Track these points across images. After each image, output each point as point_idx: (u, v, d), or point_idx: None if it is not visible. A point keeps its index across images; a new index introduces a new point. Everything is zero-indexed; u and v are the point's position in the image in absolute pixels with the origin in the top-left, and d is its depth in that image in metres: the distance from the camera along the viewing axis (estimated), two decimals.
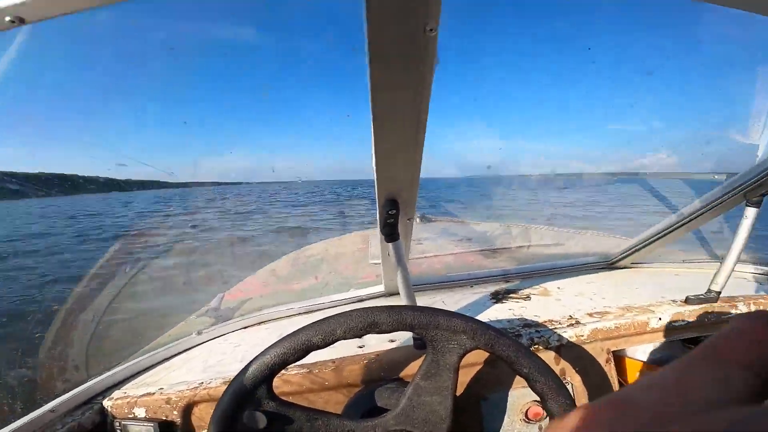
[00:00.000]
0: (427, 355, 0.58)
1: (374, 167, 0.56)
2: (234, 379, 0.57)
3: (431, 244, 1.65)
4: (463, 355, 0.57)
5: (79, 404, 0.75)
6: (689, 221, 1.06)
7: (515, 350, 0.56)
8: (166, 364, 0.93)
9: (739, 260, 0.95)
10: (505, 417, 0.78)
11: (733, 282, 1.06)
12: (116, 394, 0.79)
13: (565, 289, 1.06)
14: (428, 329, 0.56)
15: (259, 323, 1.06)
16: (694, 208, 1.04)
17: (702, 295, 0.94)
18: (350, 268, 1.58)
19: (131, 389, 0.81)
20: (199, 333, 1.02)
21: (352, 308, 0.57)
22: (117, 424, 0.75)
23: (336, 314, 0.55)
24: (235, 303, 1.27)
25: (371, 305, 0.56)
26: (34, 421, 0.67)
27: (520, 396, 0.78)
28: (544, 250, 1.53)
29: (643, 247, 1.19)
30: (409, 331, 0.56)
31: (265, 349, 0.55)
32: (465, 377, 0.77)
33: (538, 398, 0.76)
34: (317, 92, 47.57)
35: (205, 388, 0.75)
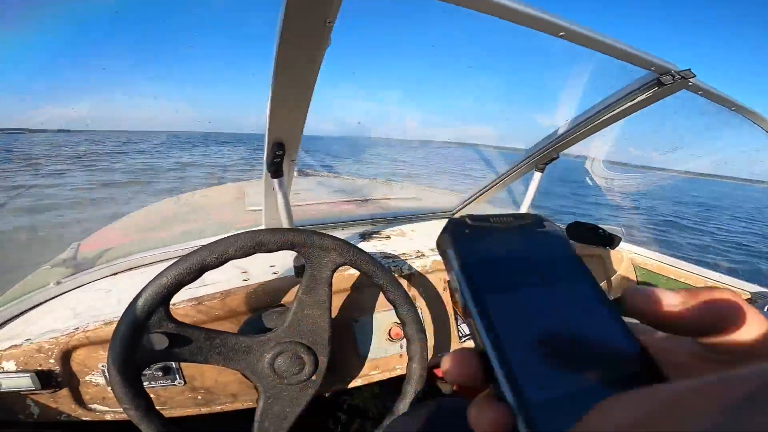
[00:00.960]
0: (306, 271, 0.70)
1: (268, 113, 0.64)
2: (129, 305, 0.59)
3: (308, 194, 1.76)
4: (335, 269, 0.71)
5: None
6: (501, 181, 1.44)
7: (373, 265, 0.73)
8: (23, 318, 0.85)
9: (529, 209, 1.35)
10: (373, 337, 0.94)
11: None
12: None
13: (417, 231, 1.33)
14: (306, 247, 0.67)
15: (131, 269, 1.02)
16: (504, 171, 1.42)
17: None
18: (226, 214, 1.57)
19: None
20: (58, 283, 0.94)
21: None
22: None
23: (227, 236, 0.62)
24: (94, 253, 1.16)
25: None
26: None
27: (383, 319, 0.95)
28: (402, 203, 1.82)
29: (472, 200, 1.56)
30: (290, 249, 0.67)
31: (161, 272, 0.59)
32: (337, 302, 0.90)
33: (398, 321, 0.92)
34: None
35: (83, 332, 0.74)
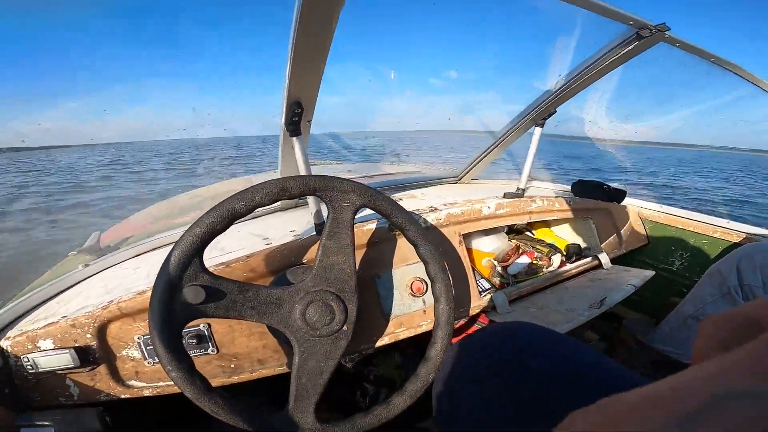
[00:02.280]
0: (329, 216, 0.71)
1: (288, 73, 0.68)
2: (164, 261, 0.59)
3: None
4: (356, 211, 0.72)
5: None
6: (502, 141, 1.45)
7: (390, 205, 0.74)
8: (57, 299, 0.88)
9: (533, 165, 1.35)
10: (395, 292, 0.94)
11: (535, 190, 1.49)
12: (11, 333, 0.74)
13: (428, 194, 1.35)
14: (326, 191, 0.69)
15: (155, 249, 1.05)
16: (503, 132, 1.43)
17: (513, 192, 1.32)
18: None
19: (27, 325, 0.75)
20: (86, 265, 0.97)
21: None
22: (25, 359, 0.71)
23: (252, 185, 0.64)
24: (116, 241, 1.19)
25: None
26: None
27: (404, 273, 0.95)
28: (409, 175, 1.83)
29: (477, 163, 1.58)
30: (312, 194, 0.68)
31: (193, 224, 0.61)
32: (357, 259, 0.88)
33: (419, 276, 0.93)
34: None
35: (117, 303, 0.74)
